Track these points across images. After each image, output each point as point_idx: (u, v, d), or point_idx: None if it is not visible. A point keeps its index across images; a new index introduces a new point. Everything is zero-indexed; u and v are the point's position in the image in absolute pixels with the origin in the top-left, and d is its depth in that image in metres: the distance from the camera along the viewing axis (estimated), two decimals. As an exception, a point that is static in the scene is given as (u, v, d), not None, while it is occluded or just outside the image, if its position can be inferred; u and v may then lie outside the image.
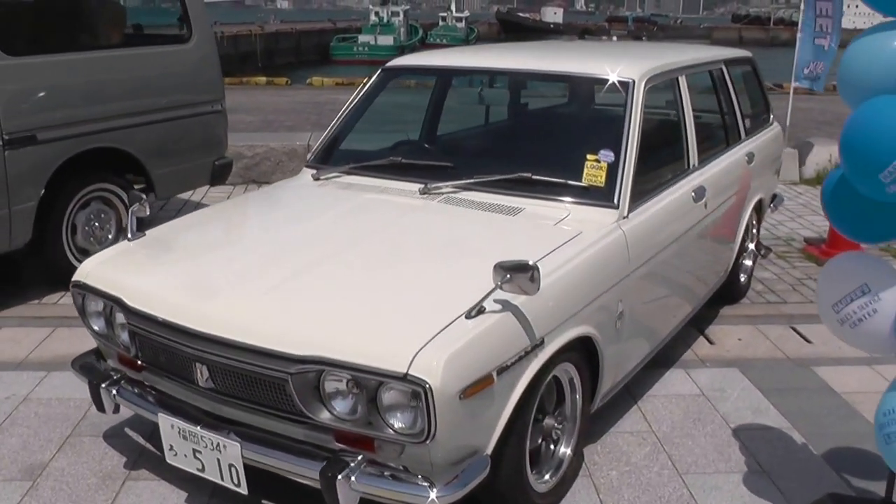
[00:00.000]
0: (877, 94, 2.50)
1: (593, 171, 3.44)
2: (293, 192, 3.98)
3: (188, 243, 3.44)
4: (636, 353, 3.66)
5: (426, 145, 4.20)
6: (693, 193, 3.98)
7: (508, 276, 2.53)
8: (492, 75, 4.33)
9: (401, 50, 43.34)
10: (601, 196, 3.40)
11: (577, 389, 3.16)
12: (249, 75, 22.69)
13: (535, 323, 2.71)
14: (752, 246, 5.36)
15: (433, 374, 2.38)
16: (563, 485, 3.17)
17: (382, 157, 3.91)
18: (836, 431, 3.74)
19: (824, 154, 8.55)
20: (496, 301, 2.63)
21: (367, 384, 2.46)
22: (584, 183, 3.43)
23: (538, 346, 2.73)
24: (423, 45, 51.98)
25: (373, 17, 55.86)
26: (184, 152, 6.07)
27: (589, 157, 3.48)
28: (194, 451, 2.84)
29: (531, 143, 4.10)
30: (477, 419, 2.55)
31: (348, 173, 3.92)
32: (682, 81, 4.19)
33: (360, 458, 2.58)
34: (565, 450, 3.18)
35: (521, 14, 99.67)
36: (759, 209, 5.30)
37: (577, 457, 3.25)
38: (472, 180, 3.55)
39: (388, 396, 2.46)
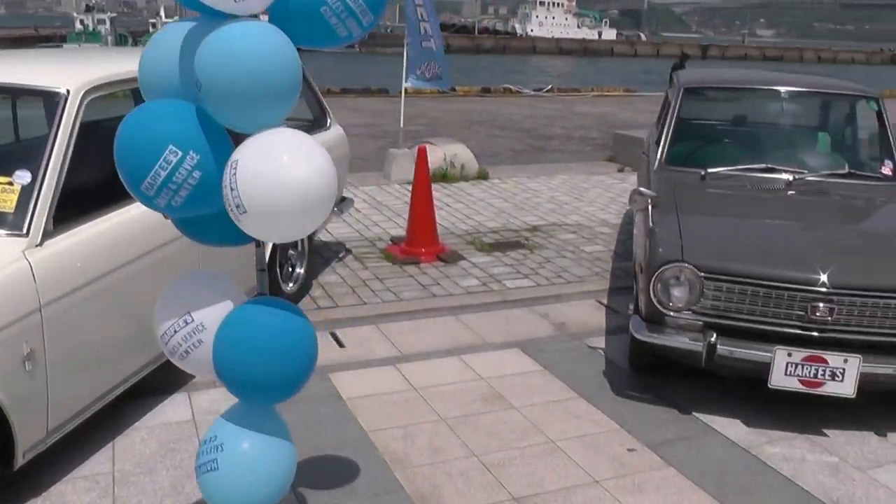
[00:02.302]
0: (162, 96, 2.33)
1: (3, 196, 3.14)
2: None
3: None
4: (83, 392, 3.35)
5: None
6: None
7: None
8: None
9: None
10: (8, 223, 3.09)
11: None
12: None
13: None
14: (294, 252, 5.25)
15: None
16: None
17: None
18: (324, 442, 3.67)
19: (439, 154, 8.76)
20: None
21: None
22: None
23: None
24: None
25: (78, 25, 52.89)
26: None
27: (1, 179, 3.18)
28: None
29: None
30: None
31: None
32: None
33: None
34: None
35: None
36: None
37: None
38: None
39: None
